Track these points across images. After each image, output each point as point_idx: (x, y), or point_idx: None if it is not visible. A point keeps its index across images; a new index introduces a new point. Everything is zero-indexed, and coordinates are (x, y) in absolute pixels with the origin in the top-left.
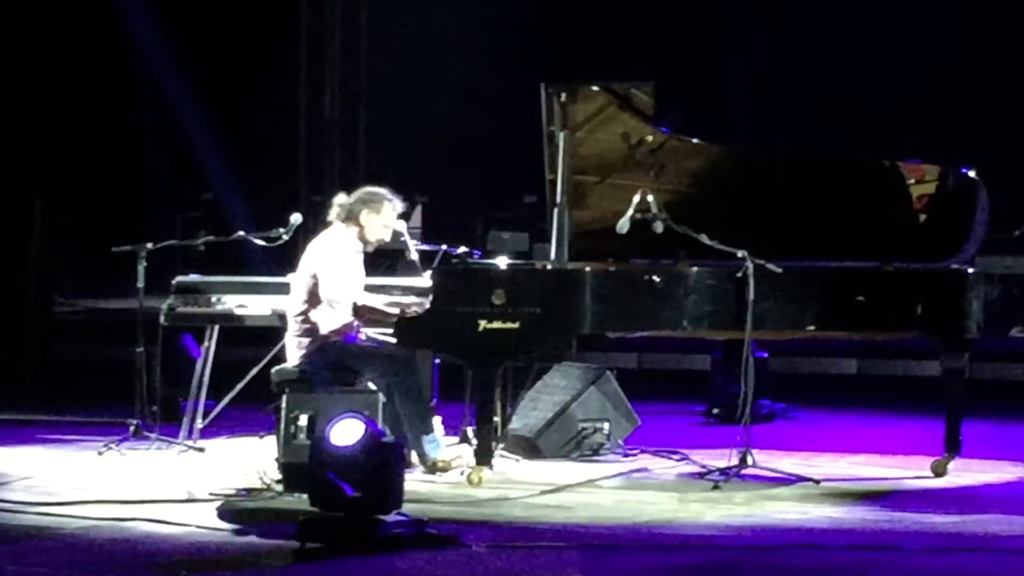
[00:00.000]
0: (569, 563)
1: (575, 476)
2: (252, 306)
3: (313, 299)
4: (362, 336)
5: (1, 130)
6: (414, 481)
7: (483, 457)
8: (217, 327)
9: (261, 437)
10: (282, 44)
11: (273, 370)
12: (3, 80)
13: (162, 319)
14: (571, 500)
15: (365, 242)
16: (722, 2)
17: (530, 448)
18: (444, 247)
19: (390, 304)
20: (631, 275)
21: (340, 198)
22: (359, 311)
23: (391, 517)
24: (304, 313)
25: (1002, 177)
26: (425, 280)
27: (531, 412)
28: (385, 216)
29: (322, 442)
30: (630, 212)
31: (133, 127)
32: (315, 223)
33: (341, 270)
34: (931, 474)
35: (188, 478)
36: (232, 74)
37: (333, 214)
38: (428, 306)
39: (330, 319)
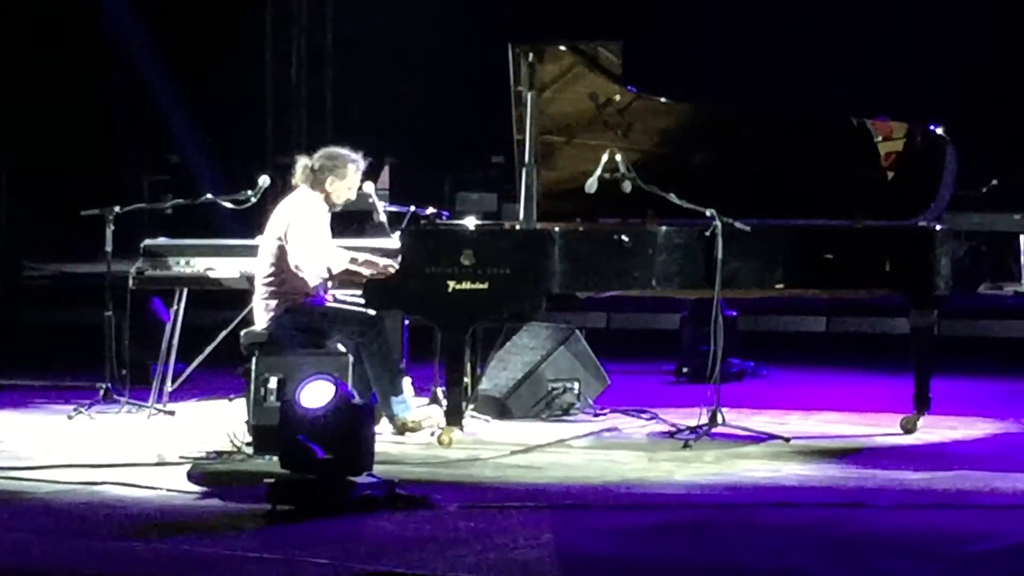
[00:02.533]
0: (540, 523)
1: (545, 436)
2: (220, 269)
3: (281, 262)
4: (329, 298)
5: None
6: (384, 442)
7: (453, 418)
8: (186, 290)
9: (231, 400)
10: (248, 6)
11: (242, 333)
12: None
13: (131, 283)
14: (541, 460)
15: (332, 206)
16: None
17: (500, 409)
18: (412, 208)
19: (362, 263)
20: (600, 235)
21: (303, 160)
22: (333, 277)
23: (362, 479)
24: (272, 276)
25: (969, 134)
26: (394, 241)
27: (501, 373)
28: (350, 179)
29: (292, 404)
30: (598, 172)
31: (100, 90)
32: (283, 185)
33: (308, 236)
34: (901, 431)
35: (158, 441)
36: (198, 36)
37: (298, 177)
38: (397, 267)
39: (298, 281)
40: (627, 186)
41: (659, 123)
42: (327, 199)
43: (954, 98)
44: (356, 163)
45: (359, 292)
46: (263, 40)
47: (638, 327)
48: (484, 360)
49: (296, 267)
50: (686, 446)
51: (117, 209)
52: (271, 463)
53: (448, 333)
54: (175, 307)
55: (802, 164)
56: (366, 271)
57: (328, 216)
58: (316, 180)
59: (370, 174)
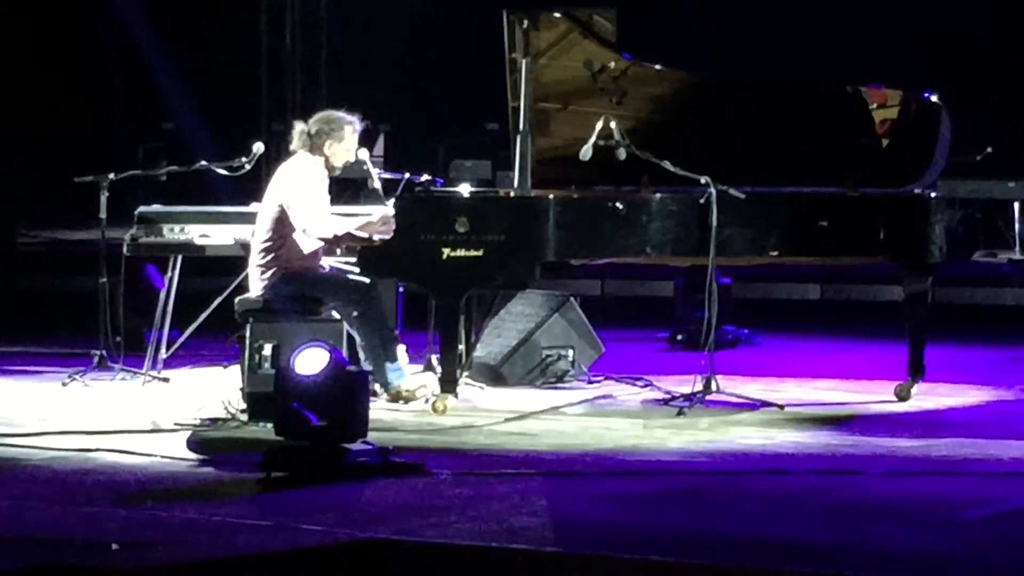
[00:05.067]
0: (533, 490)
1: (539, 403)
2: (215, 236)
3: (278, 228)
4: (325, 265)
5: None
6: (379, 410)
7: (448, 385)
8: (180, 257)
9: (225, 367)
10: None
11: (237, 300)
12: None
13: (125, 249)
14: (535, 427)
15: (332, 170)
16: None
17: (494, 376)
18: (407, 175)
19: (364, 226)
20: (594, 202)
21: (300, 126)
22: (339, 240)
23: (356, 446)
24: (269, 241)
25: (964, 101)
26: (388, 209)
27: (495, 340)
28: (347, 141)
29: (287, 371)
30: (593, 139)
31: (94, 56)
32: (277, 152)
33: (312, 201)
34: (894, 398)
35: (153, 408)
36: (193, 2)
37: (296, 143)
38: (392, 232)
39: (294, 248)
40: (622, 153)
41: (654, 90)
42: (327, 163)
43: (949, 65)
44: (353, 124)
45: (353, 260)
46: (257, 6)
47: (632, 294)
48: (479, 327)
49: (304, 231)
50: (680, 413)
51: (111, 176)
52: (265, 430)
53: (442, 300)
54: (169, 274)
55: (797, 131)
56: (370, 232)
57: (327, 181)
58: (314, 145)
59: (364, 141)
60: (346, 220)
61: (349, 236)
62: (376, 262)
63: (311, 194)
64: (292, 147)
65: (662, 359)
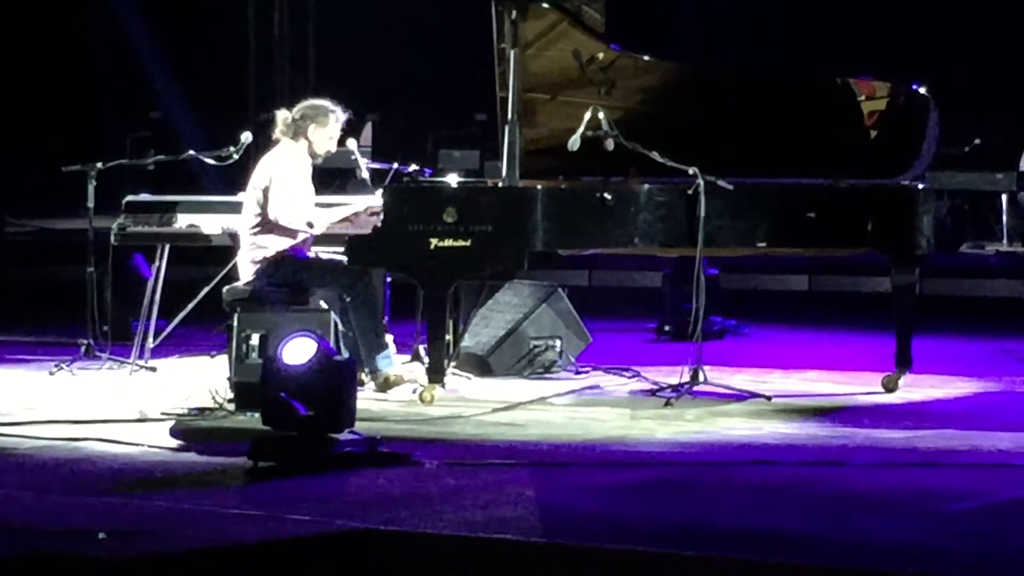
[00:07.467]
0: (521, 480)
1: (527, 394)
2: (203, 225)
3: (264, 216)
4: (312, 253)
5: None
6: (366, 400)
7: (435, 375)
8: (168, 246)
9: (213, 356)
10: None
11: (224, 289)
12: None
13: (112, 239)
14: (523, 418)
15: (314, 156)
16: None
17: (482, 366)
18: (395, 165)
19: (344, 218)
20: (582, 192)
21: (283, 114)
22: (312, 229)
23: (344, 435)
24: (257, 228)
25: (952, 93)
26: (376, 198)
27: (483, 330)
28: (331, 128)
29: (274, 361)
30: (581, 129)
31: (82, 45)
32: (265, 141)
33: (289, 191)
34: (882, 390)
35: (140, 398)
36: None
37: (279, 131)
38: (379, 222)
39: (281, 236)
40: (610, 144)
41: (642, 81)
42: (310, 150)
43: (937, 56)
44: (336, 113)
45: (341, 249)
46: None
47: (620, 285)
48: (466, 317)
49: (275, 219)
50: (668, 404)
51: (99, 165)
52: (253, 420)
53: (430, 291)
54: (157, 263)
55: (785, 123)
56: (351, 220)
57: (310, 170)
58: (298, 130)
59: (352, 131)
60: (324, 212)
61: (326, 227)
62: (364, 252)
63: (288, 183)
64: (275, 135)
65: (650, 350)
